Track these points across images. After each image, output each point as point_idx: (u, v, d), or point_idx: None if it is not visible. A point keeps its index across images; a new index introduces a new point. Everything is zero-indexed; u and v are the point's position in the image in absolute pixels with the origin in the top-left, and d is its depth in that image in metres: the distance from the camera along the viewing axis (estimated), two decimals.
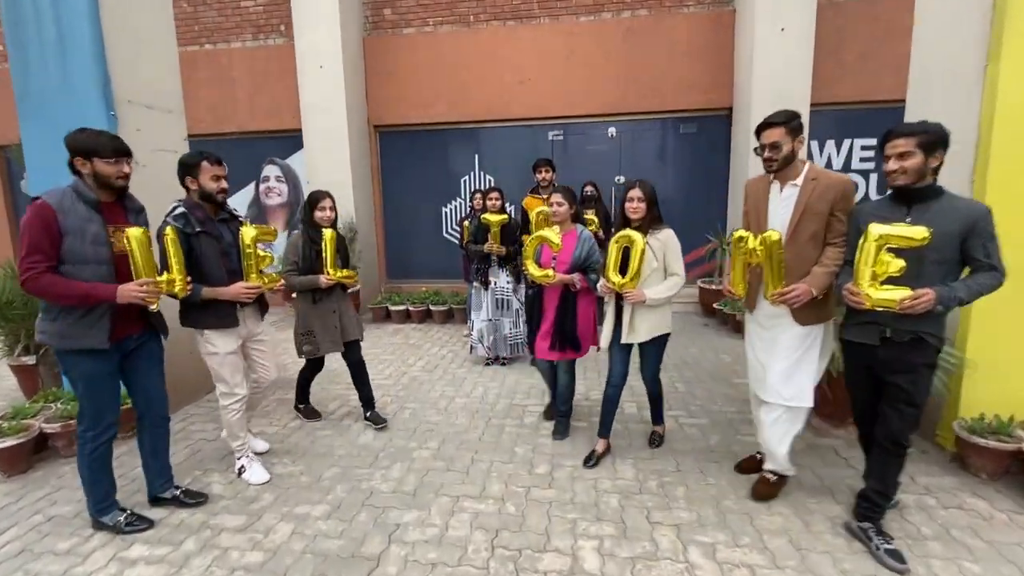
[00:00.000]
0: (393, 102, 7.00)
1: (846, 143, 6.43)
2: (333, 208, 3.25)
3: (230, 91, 7.29)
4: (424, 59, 6.86)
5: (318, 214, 3.20)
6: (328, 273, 3.13)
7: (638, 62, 6.51)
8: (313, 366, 3.58)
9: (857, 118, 6.34)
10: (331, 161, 6.56)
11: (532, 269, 3.02)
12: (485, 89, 6.80)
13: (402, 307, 6.32)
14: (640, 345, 2.82)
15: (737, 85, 6.29)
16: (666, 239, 2.76)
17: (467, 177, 7.13)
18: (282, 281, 2.94)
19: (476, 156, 7.08)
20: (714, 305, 6.02)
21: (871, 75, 6.16)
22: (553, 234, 2.98)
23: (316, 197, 3.22)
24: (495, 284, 4.51)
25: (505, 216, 4.39)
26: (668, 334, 2.86)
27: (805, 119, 6.21)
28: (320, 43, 6.39)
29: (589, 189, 5.36)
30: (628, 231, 2.65)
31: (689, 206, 6.80)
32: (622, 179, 6.81)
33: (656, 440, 3.15)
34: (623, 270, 2.64)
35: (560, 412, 3.26)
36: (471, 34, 6.77)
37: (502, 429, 3.36)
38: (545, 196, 4.51)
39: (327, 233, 3.11)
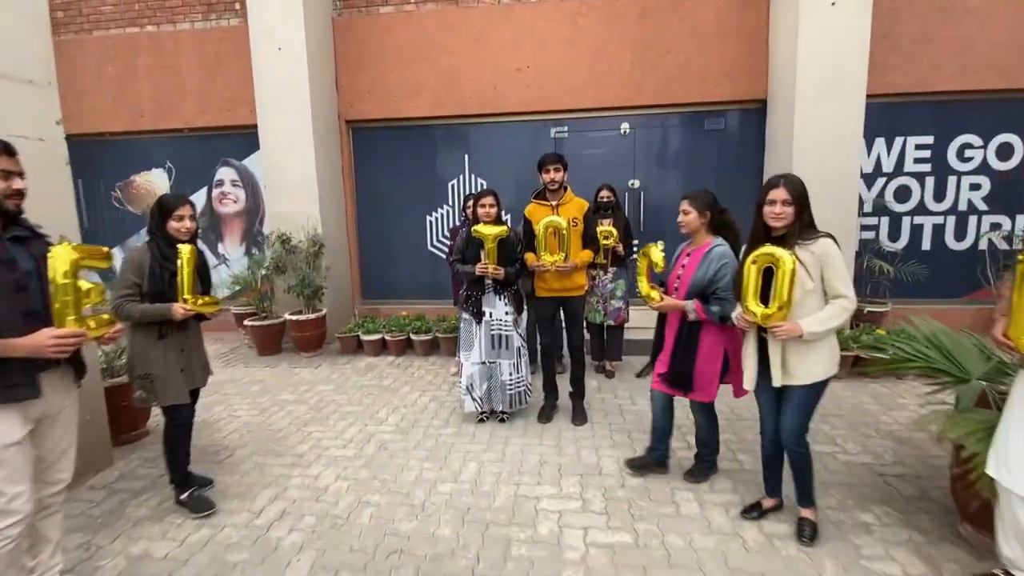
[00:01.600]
0: (368, 93, 5.96)
1: (898, 141, 5.51)
2: (193, 217, 2.51)
3: (176, 80, 6.21)
4: (405, 43, 5.84)
5: (173, 224, 2.45)
6: (184, 300, 2.42)
7: (656, 46, 5.55)
8: (179, 422, 2.62)
9: (911, 112, 5.42)
10: (292, 161, 5.50)
11: (642, 286, 2.63)
12: (476, 78, 5.79)
13: (376, 336, 5.23)
14: (786, 388, 2.17)
15: (774, 72, 5.34)
16: (823, 251, 2.06)
17: (455, 181, 6.10)
18: (118, 325, 1.97)
19: (466, 157, 6.05)
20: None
21: (928, 62, 5.25)
22: (655, 251, 2.64)
23: (170, 203, 2.47)
24: (490, 316, 3.47)
25: (503, 228, 3.37)
26: (828, 380, 2.15)
27: (860, 112, 5.05)
28: (278, 21, 5.34)
29: (605, 194, 4.36)
30: (769, 247, 2.05)
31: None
32: (636, 183, 5.82)
33: (807, 531, 2.24)
34: (766, 296, 2.06)
35: (654, 453, 2.80)
36: (460, 14, 5.77)
37: (507, 546, 2.27)
38: (554, 203, 3.48)
39: (184, 250, 2.41)
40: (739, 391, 2.51)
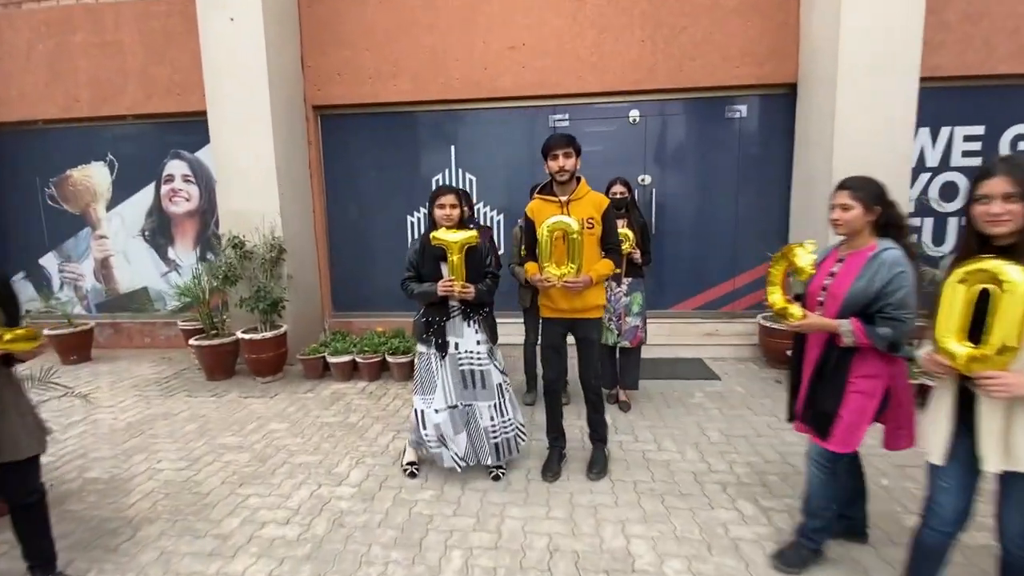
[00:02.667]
0: (339, 75, 5.17)
1: (944, 132, 4.83)
2: None
3: (118, 60, 5.37)
4: (381, 18, 5.06)
5: None
6: None
7: (670, 23, 4.82)
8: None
9: (960, 98, 4.75)
10: (247, 152, 4.68)
11: (775, 299, 2.01)
12: (464, 58, 5.02)
13: (346, 358, 4.43)
14: (1008, 476, 1.49)
15: (807, 51, 4.64)
16: None
17: (440, 175, 5.32)
18: None
19: (452, 148, 5.28)
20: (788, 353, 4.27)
21: (980, 42, 4.58)
22: (804, 253, 1.94)
23: None
24: (457, 347, 2.73)
25: (470, 234, 2.64)
26: None
27: (913, 92, 4.11)
28: None
29: (619, 191, 3.61)
30: (987, 261, 1.38)
31: (739, 213, 5.10)
32: (647, 179, 5.09)
33: None
34: (975, 332, 1.42)
35: (807, 536, 2.07)
36: None
37: None
38: (564, 198, 2.72)
39: None
40: (898, 441, 1.94)
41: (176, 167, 5.62)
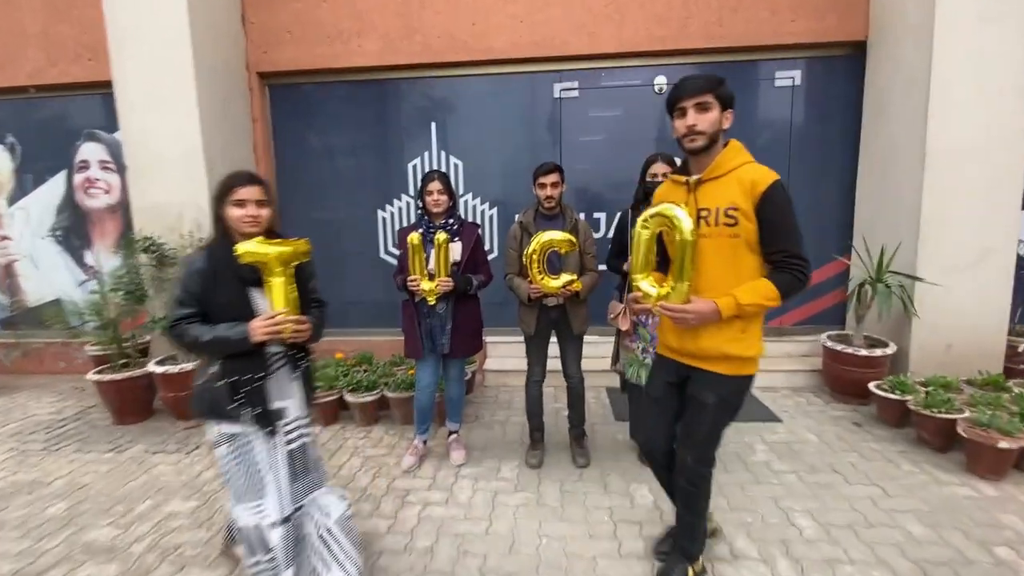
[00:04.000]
0: (289, 35, 4.11)
1: None
2: None
3: (13, 18, 4.29)
4: None
5: None
6: None
7: None
8: None
9: None
10: (165, 131, 3.63)
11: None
12: (446, 10, 3.99)
13: None
14: None
15: (882, 1, 3.65)
16: None
17: (418, 161, 4.29)
18: None
19: (432, 126, 4.24)
20: (871, 387, 3.28)
21: None
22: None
23: None
24: (283, 416, 1.72)
25: (294, 247, 1.64)
26: None
27: None
28: None
29: (661, 171, 2.59)
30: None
31: (803, 208, 4.10)
32: (676, 162, 4.08)
33: None
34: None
35: None
36: None
37: None
38: (694, 177, 1.68)
39: None
40: None
41: (91, 151, 4.54)
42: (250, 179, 1.64)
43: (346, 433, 3.28)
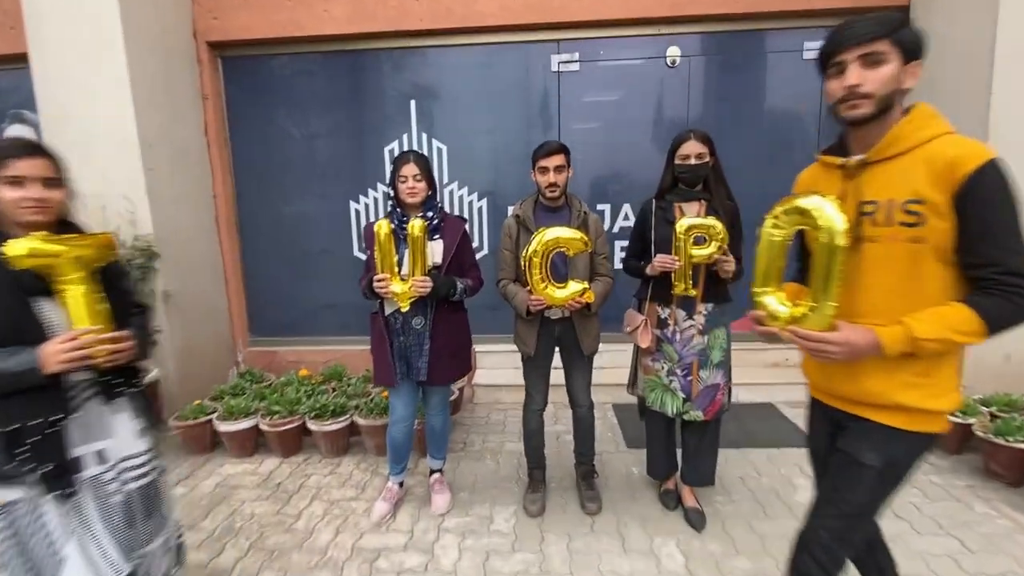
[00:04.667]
0: (246, 1, 3.54)
1: None
2: None
3: None
4: None
5: None
6: None
7: None
8: None
9: None
10: (91, 112, 3.04)
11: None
12: None
13: (246, 423, 2.84)
14: None
15: None
16: None
17: (396, 144, 3.73)
18: None
19: (412, 105, 3.69)
20: (977, 431, 2.72)
21: None
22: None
23: None
24: (102, 461, 1.31)
25: (95, 243, 1.23)
26: None
27: None
28: None
29: (695, 151, 2.06)
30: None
31: None
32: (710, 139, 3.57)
33: None
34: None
35: None
36: None
37: None
38: (855, 159, 1.13)
39: None
40: None
41: (19, 134, 3.92)
42: (31, 149, 1.20)
43: (308, 468, 2.76)
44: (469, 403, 3.56)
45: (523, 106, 3.62)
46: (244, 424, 2.82)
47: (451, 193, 3.72)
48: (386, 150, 3.72)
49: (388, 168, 3.70)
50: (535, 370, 2.25)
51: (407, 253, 1.94)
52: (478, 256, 3.74)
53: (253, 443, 2.90)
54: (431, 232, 2.06)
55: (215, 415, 2.87)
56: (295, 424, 2.82)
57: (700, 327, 2.09)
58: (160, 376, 3.07)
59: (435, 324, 2.08)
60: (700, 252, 1.94)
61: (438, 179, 3.69)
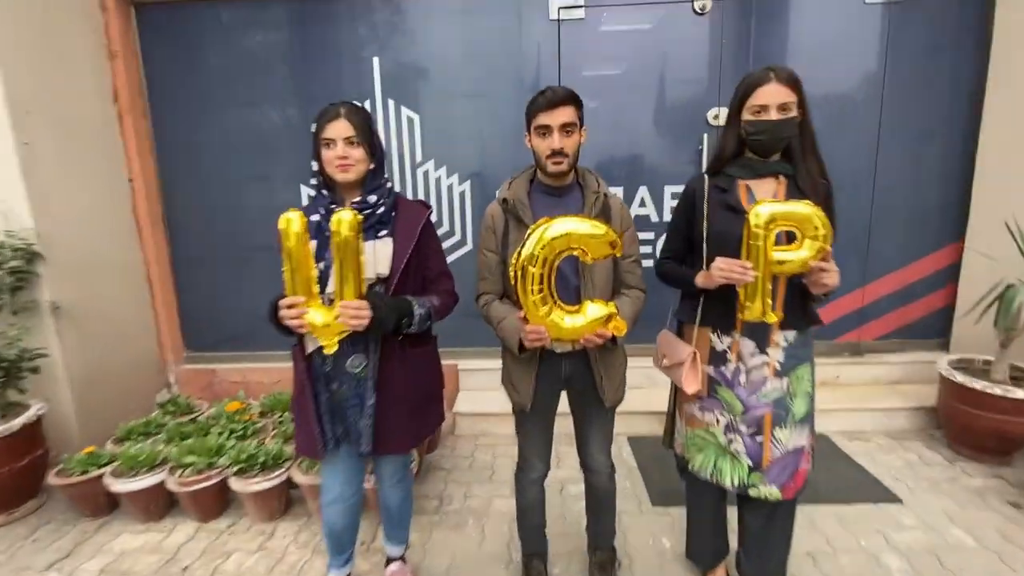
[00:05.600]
0: None
1: None
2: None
3: None
4: None
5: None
6: None
7: None
8: None
9: None
10: None
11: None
12: None
13: (149, 480, 2.14)
14: None
15: None
16: None
17: None
18: None
19: (376, 63, 2.95)
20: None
21: None
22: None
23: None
24: None
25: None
26: None
27: None
28: None
29: (780, 101, 1.33)
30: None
31: (879, 173, 2.93)
32: (718, 113, 2.87)
33: None
34: None
35: None
36: None
37: None
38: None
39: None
40: None
41: None
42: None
43: (231, 540, 2.07)
44: (449, 435, 2.88)
45: (514, 63, 2.89)
46: (146, 481, 2.12)
47: (426, 175, 3.00)
48: None
49: None
50: (533, 427, 1.56)
51: (333, 261, 1.24)
52: (458, 256, 3.08)
53: (162, 503, 2.21)
54: (372, 228, 1.36)
55: (108, 470, 2.17)
56: (214, 481, 2.12)
57: (777, 365, 1.41)
58: (45, 411, 2.35)
59: (384, 367, 1.38)
60: (789, 256, 1.25)
61: (408, 157, 2.97)
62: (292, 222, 1.21)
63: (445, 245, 3.03)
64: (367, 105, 2.94)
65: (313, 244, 1.32)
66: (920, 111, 2.85)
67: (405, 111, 2.95)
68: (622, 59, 2.87)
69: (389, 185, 1.44)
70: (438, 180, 3.00)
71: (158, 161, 3.09)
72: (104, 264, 2.79)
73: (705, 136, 2.86)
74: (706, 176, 1.46)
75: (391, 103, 2.95)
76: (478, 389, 3.06)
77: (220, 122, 3.03)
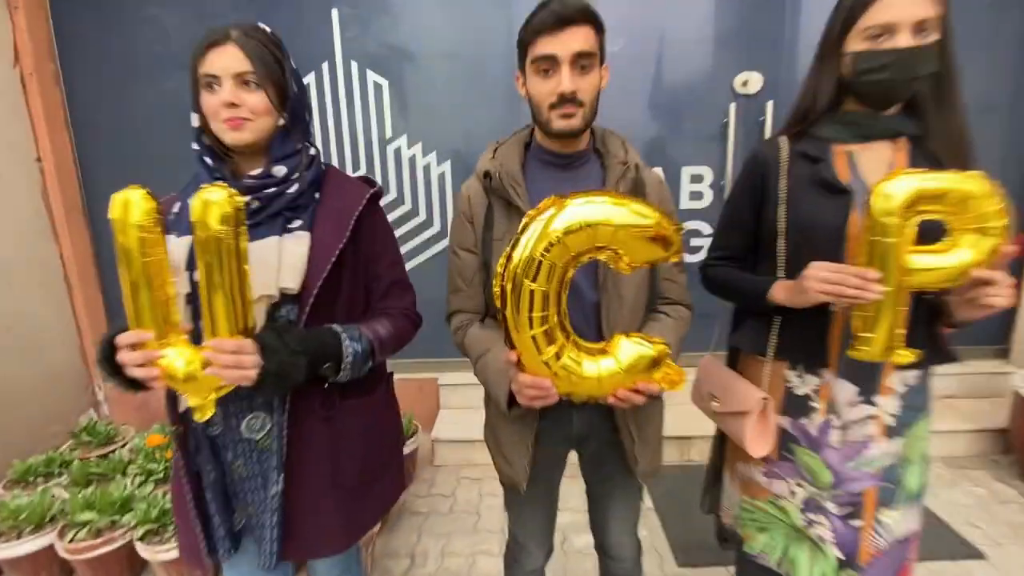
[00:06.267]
0: None
1: None
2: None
3: None
4: None
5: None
6: None
7: None
8: None
9: None
10: None
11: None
12: None
13: (37, 544, 1.66)
14: None
15: None
16: None
17: (312, 77, 2.47)
18: None
19: (335, 15, 2.42)
20: None
21: None
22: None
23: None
24: None
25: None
26: None
27: None
28: None
29: (907, 16, 0.82)
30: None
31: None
32: (752, 80, 2.40)
33: None
34: None
35: None
36: None
37: None
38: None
39: None
40: None
41: None
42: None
43: None
44: (428, 464, 2.42)
45: (505, 16, 2.39)
46: (29, 546, 1.64)
47: (397, 154, 2.51)
48: None
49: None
50: (530, 508, 1.10)
51: (199, 274, 0.76)
52: (436, 254, 2.54)
53: (57, 572, 1.73)
54: (279, 217, 0.88)
55: None
56: (118, 545, 1.65)
57: (890, 420, 0.96)
58: None
59: (298, 433, 0.89)
60: (938, 262, 0.79)
61: (376, 131, 2.47)
62: (131, 206, 0.73)
63: (419, 240, 2.55)
64: (324, 67, 2.44)
65: (183, 243, 0.84)
66: (976, 78, 2.39)
67: (372, 75, 2.44)
68: (628, 12, 2.38)
69: (313, 153, 0.96)
70: (412, 160, 2.51)
71: (75, 138, 2.57)
72: (6, 261, 2.28)
73: (732, 107, 2.39)
74: (783, 140, 1.00)
75: (354, 66, 2.44)
76: (462, 408, 2.60)
77: (150, 90, 2.51)
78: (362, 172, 2.50)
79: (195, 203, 0.72)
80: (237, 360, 0.74)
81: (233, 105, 0.84)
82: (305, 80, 2.44)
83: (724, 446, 1.21)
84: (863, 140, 0.94)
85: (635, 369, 0.75)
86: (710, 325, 1.25)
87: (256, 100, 0.86)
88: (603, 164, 0.98)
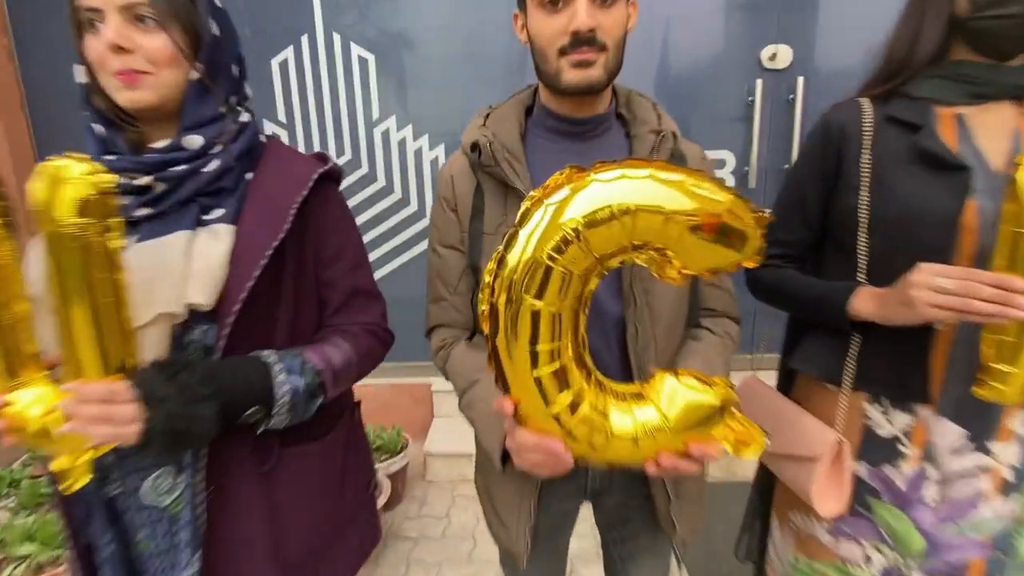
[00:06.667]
0: None
1: None
2: None
3: None
4: None
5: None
6: None
7: None
8: None
9: None
10: None
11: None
12: None
13: None
14: None
15: None
16: None
17: (290, 52, 2.23)
18: None
19: None
20: None
21: None
22: None
23: None
24: None
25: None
26: None
27: None
28: None
29: None
30: None
31: None
32: (780, 54, 2.14)
33: None
34: None
35: None
36: None
37: None
38: None
39: None
40: None
41: None
42: None
43: None
44: (420, 480, 2.21)
45: None
46: None
47: (385, 137, 2.26)
48: (275, 64, 2.23)
49: (279, 91, 2.27)
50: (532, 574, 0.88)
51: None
52: (423, 250, 2.30)
53: None
54: (191, 204, 0.65)
55: None
56: None
57: (1012, 471, 0.73)
58: None
59: (225, 490, 0.67)
60: None
61: (361, 112, 2.23)
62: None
63: (409, 233, 2.32)
64: (304, 41, 2.19)
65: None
66: None
67: (356, 50, 2.19)
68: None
69: (245, 120, 0.72)
70: (402, 143, 2.26)
71: (32, 127, 2.33)
72: None
73: (758, 84, 2.14)
74: (866, 102, 0.76)
75: (336, 39, 2.19)
76: (458, 416, 2.38)
77: None
78: (347, 157, 2.26)
79: (37, 183, 0.49)
80: (105, 413, 0.51)
81: (122, 50, 0.61)
82: (282, 55, 2.22)
83: (770, 484, 0.98)
84: (978, 100, 0.70)
85: (687, 423, 0.52)
86: (744, 324, 1.01)
87: (155, 44, 0.62)
88: (628, 133, 0.74)
